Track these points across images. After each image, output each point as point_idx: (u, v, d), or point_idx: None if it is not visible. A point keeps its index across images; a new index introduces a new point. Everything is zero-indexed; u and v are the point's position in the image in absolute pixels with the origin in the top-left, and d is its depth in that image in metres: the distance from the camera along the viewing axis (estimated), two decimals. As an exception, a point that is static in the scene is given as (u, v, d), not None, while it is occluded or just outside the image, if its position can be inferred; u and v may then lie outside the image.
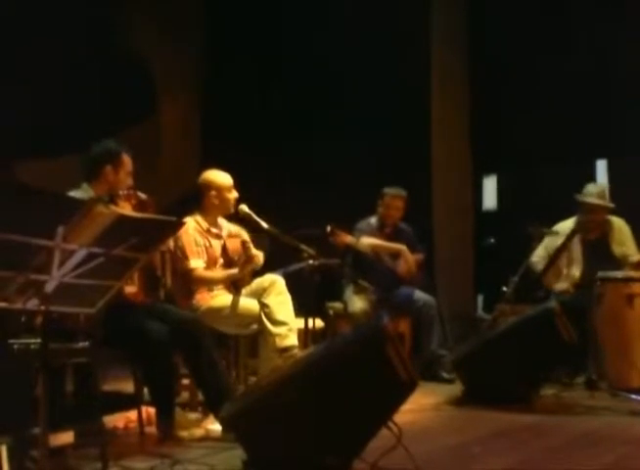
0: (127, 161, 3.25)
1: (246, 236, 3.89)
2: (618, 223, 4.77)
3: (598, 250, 4.63)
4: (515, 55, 5.99)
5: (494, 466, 2.79)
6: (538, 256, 4.77)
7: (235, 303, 3.73)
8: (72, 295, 2.22)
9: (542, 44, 5.80)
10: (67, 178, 3.34)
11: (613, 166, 5.63)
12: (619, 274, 4.37)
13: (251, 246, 3.78)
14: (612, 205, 4.70)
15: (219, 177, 3.86)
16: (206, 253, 3.79)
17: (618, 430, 3.40)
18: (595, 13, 5.57)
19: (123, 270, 2.33)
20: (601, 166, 5.67)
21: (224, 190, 3.83)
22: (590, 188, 4.76)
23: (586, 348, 4.11)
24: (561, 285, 4.71)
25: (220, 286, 3.83)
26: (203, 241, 3.80)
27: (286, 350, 3.59)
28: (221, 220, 3.94)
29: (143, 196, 3.24)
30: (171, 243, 3.69)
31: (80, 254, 2.12)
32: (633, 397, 3.92)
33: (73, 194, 3.05)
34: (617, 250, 4.71)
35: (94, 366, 2.76)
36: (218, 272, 3.81)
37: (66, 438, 2.71)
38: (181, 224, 2.54)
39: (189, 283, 3.76)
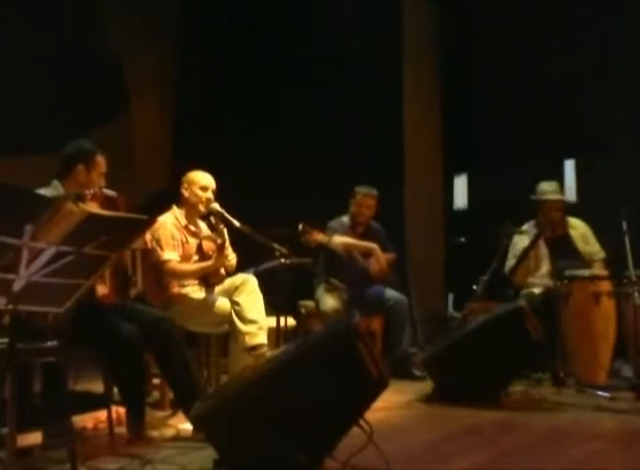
0: (101, 161, 3.22)
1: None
2: (577, 223, 4.86)
3: (562, 247, 4.71)
4: (485, 56, 6.05)
5: (465, 463, 2.82)
6: (512, 255, 4.85)
7: (207, 300, 3.73)
8: (41, 294, 2.20)
9: (512, 45, 5.86)
10: (37, 176, 3.29)
11: (580, 166, 5.71)
12: (586, 273, 4.44)
13: (225, 231, 3.78)
14: (571, 198, 4.78)
15: (195, 174, 3.92)
16: (182, 248, 3.82)
17: (586, 426, 3.46)
18: (563, 13, 5.64)
19: (93, 269, 2.31)
20: (569, 166, 5.76)
21: (194, 185, 3.87)
22: (546, 186, 4.83)
23: (553, 345, 4.17)
24: (541, 281, 4.74)
25: (193, 282, 3.82)
26: (179, 236, 3.83)
27: (255, 348, 3.61)
28: (201, 223, 3.96)
29: (112, 193, 3.21)
30: (148, 236, 3.69)
31: (49, 252, 2.10)
32: (599, 393, 3.99)
33: (43, 191, 3.02)
34: (582, 248, 4.80)
35: (63, 366, 2.72)
36: (192, 265, 3.81)
37: (34, 438, 2.68)
38: (152, 223, 2.53)
39: (161, 276, 3.75)
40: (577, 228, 4.85)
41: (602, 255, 4.78)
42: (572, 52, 5.61)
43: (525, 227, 4.81)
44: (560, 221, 4.80)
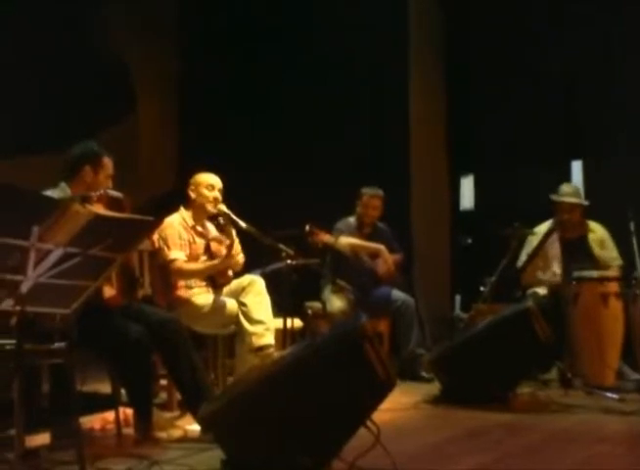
0: (108, 163, 3.21)
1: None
2: (596, 227, 4.85)
3: (577, 249, 4.69)
4: (490, 56, 6.03)
5: (471, 464, 2.81)
6: (525, 253, 4.84)
7: (214, 301, 3.73)
8: (48, 295, 2.20)
9: (516, 45, 5.85)
10: (44, 177, 3.30)
11: (587, 167, 5.69)
12: (595, 274, 4.42)
13: (234, 232, 3.77)
14: (587, 202, 4.80)
15: (201, 175, 3.92)
16: (189, 248, 3.81)
17: (593, 428, 3.44)
18: (563, 13, 5.62)
19: (100, 270, 2.31)
20: (576, 167, 5.74)
21: (200, 185, 3.88)
22: (565, 188, 4.85)
23: (561, 346, 4.15)
24: (549, 278, 4.74)
25: (200, 284, 3.82)
26: (187, 236, 3.83)
27: (261, 349, 3.61)
28: (209, 225, 3.96)
29: (118, 195, 3.21)
30: (155, 235, 3.69)
31: (56, 253, 2.10)
32: (607, 394, 3.97)
33: (51, 193, 3.03)
34: (598, 253, 4.78)
35: (70, 367, 2.73)
36: (199, 264, 3.81)
37: (41, 439, 2.68)
38: (157, 224, 2.54)
39: (168, 276, 3.74)
40: (596, 232, 4.84)
41: (619, 262, 4.73)
42: (576, 51, 5.58)
43: (545, 225, 4.80)
44: (576, 224, 4.79)
